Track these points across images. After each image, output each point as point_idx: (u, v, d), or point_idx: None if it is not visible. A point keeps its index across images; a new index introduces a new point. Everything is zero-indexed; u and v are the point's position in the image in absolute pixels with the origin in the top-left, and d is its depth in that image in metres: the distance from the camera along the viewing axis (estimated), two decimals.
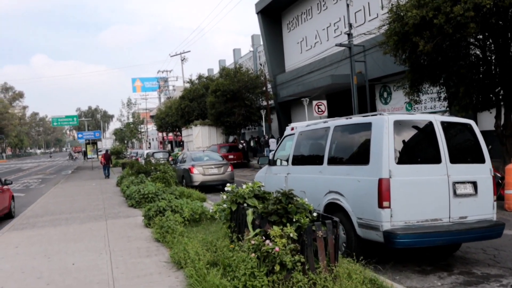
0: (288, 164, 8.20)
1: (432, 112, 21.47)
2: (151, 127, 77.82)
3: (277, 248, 4.38)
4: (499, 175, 10.76)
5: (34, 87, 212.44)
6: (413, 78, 14.33)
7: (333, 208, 6.50)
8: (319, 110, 24.15)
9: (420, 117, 6.28)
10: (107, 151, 28.45)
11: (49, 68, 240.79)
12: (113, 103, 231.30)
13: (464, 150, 6.37)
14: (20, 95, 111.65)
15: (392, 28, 12.67)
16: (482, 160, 6.22)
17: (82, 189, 18.27)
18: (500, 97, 13.16)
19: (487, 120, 16.73)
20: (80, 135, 44.01)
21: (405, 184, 5.68)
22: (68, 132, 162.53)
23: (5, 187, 12.63)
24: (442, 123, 6.10)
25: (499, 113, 13.00)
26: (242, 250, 4.87)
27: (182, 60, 53.85)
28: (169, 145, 64.61)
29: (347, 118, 7.15)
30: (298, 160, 7.92)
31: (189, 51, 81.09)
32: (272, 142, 28.11)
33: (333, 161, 6.75)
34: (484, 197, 6.09)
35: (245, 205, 5.71)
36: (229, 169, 16.51)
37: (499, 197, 9.83)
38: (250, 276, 4.46)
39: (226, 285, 4.46)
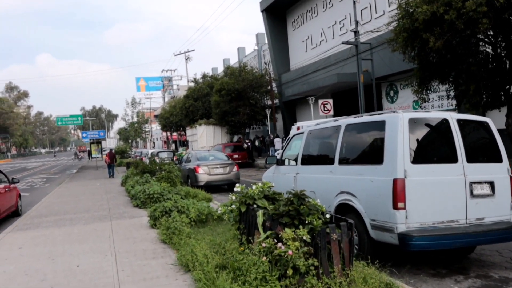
0: (297, 163, 8.01)
1: (439, 111, 21.21)
2: (155, 127, 77.79)
3: (290, 252, 4.20)
4: None
5: (39, 86, 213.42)
6: (422, 76, 14.08)
7: (345, 209, 6.30)
8: (325, 109, 23.92)
9: (435, 114, 6.07)
10: (111, 150, 28.35)
11: (53, 67, 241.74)
12: (117, 102, 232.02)
13: (480, 149, 6.16)
14: (25, 94, 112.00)
15: (401, 25, 12.45)
16: (499, 160, 6.00)
17: (86, 189, 18.15)
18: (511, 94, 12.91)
19: (497, 119, 16.44)
20: (84, 135, 43.97)
21: (421, 185, 5.47)
22: (72, 131, 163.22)
23: (12, 185, 12.72)
24: (458, 121, 5.89)
25: (510, 111, 12.75)
26: (253, 253, 4.68)
27: (186, 59, 53.72)
28: (173, 145, 64.52)
29: (355, 117, 6.95)
30: (308, 159, 7.72)
31: (193, 50, 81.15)
32: (277, 142, 27.92)
33: (344, 160, 6.55)
34: (502, 198, 5.87)
35: (254, 206, 5.52)
36: (235, 169, 16.33)
37: None
38: (261, 280, 4.28)
39: None
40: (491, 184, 5.81)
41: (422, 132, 5.83)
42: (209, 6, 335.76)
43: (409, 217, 5.37)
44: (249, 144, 32.93)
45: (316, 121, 20.21)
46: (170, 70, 67.04)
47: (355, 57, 22.77)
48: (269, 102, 33.59)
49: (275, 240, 4.60)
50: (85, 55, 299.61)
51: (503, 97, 13.01)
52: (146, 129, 68.53)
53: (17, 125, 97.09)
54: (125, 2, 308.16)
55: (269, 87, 32.58)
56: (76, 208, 12.38)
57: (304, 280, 4.29)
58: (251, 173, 24.50)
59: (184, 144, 51.55)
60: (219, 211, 6.32)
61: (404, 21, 12.33)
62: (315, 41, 32.48)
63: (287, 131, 34.43)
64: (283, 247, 4.33)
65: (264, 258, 4.44)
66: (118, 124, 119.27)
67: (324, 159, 7.21)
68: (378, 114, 6.39)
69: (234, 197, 5.80)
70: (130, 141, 68.79)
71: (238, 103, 32.02)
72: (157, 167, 16.17)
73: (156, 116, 73.67)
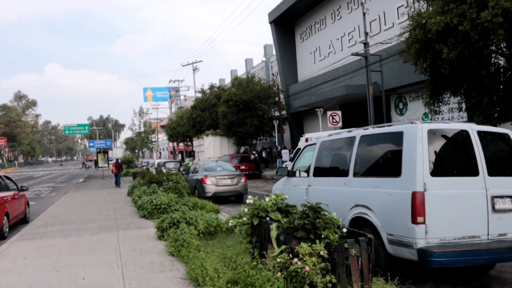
0: (308, 175, 7.80)
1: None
2: (162, 137, 77.88)
3: (307, 268, 3.99)
4: None
5: (47, 95, 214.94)
6: (434, 88, 13.89)
7: (360, 223, 6.08)
8: (334, 120, 23.73)
9: (454, 125, 5.86)
10: (117, 160, 28.29)
11: (62, 77, 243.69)
12: (124, 112, 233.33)
13: (502, 162, 5.93)
14: (33, 103, 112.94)
15: (413, 36, 12.30)
16: None
17: (93, 198, 18.01)
18: None
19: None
20: (91, 144, 44.02)
21: (441, 198, 5.25)
22: (79, 140, 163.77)
23: (21, 193, 12.91)
24: (479, 132, 5.69)
25: None
26: (267, 269, 4.47)
27: (194, 70, 53.90)
28: (179, 155, 64.48)
29: (371, 128, 6.76)
30: (320, 171, 7.51)
31: (201, 61, 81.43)
32: (285, 153, 27.71)
33: (359, 172, 6.34)
34: None
35: (267, 219, 5.32)
36: (243, 180, 16.13)
37: None
38: None
39: None
40: None
41: (441, 144, 5.62)
42: (216, 18, 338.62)
43: (428, 232, 5.14)
44: (256, 155, 32.74)
45: (324, 133, 20.03)
46: (177, 81, 67.47)
47: (364, 69, 22.63)
48: (277, 114, 33.45)
49: (290, 255, 4.39)
50: (93, 65, 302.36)
51: None
52: (153, 139, 68.59)
53: (25, 134, 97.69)
54: (133, 13, 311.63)
55: (277, 98, 32.47)
56: (82, 217, 12.21)
57: None
58: (258, 184, 24.27)
59: (191, 154, 51.47)
60: (230, 223, 6.12)
61: (417, 32, 12.18)
62: (324, 53, 32.43)
63: (294, 142, 34.23)
64: (299, 262, 4.12)
65: (279, 274, 4.23)
66: (125, 134, 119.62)
67: (337, 171, 7.00)
68: (395, 125, 6.19)
69: (246, 209, 5.59)
70: (136, 151, 68.86)
71: (246, 114, 31.94)
72: (164, 178, 16.00)
73: (162, 127, 73.83)
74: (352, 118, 26.11)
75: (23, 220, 12.78)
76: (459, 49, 11.07)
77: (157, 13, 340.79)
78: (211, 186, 15.51)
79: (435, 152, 5.51)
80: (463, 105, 14.84)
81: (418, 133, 5.41)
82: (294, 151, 21.84)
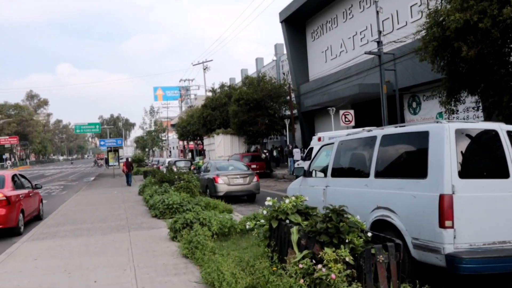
0: (326, 176, 7.56)
1: None
2: (172, 136, 77.94)
3: (333, 276, 3.76)
4: None
5: (58, 95, 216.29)
6: (451, 87, 13.55)
7: (382, 226, 5.83)
8: (346, 119, 23.43)
9: (483, 125, 5.59)
10: (127, 159, 28.22)
11: (73, 77, 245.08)
12: (134, 111, 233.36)
13: None
14: (45, 102, 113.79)
15: (431, 33, 11.97)
16: None
17: (104, 197, 17.92)
18: None
19: None
20: (102, 143, 44.07)
21: (470, 201, 4.99)
22: (90, 139, 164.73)
23: (35, 191, 13.20)
24: (509, 132, 5.41)
25: None
26: (288, 275, 4.25)
27: (204, 69, 53.79)
28: (189, 154, 64.45)
29: (392, 127, 6.51)
30: (339, 171, 7.26)
31: (211, 60, 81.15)
32: (296, 152, 27.43)
33: (381, 173, 6.09)
34: None
35: (287, 221, 5.10)
36: (255, 179, 15.91)
37: None
38: None
39: None
40: None
41: (469, 144, 5.34)
42: (227, 18, 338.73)
43: (457, 237, 4.88)
44: (267, 154, 32.51)
45: (337, 132, 19.76)
46: (188, 80, 67.30)
47: (377, 67, 22.28)
48: (288, 113, 33.18)
49: (313, 261, 4.16)
50: (104, 65, 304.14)
51: None
52: (163, 138, 68.64)
53: (37, 133, 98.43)
54: (144, 14, 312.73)
55: (288, 97, 32.20)
56: (93, 217, 12.09)
57: None
58: (269, 183, 24.05)
59: (201, 153, 51.38)
60: (247, 226, 5.89)
61: (435, 30, 11.84)
62: (335, 52, 32.09)
63: (305, 141, 33.95)
64: (324, 269, 3.89)
65: (302, 281, 4.01)
66: (135, 133, 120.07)
67: (357, 172, 6.75)
68: (419, 124, 5.93)
69: (265, 211, 5.36)
70: (147, 149, 68.97)
71: (257, 113, 31.71)
72: (176, 177, 15.84)
73: (173, 125, 73.86)
74: (364, 117, 25.76)
75: (37, 217, 13.08)
76: (479, 47, 10.74)
77: (167, 14, 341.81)
78: (223, 186, 15.32)
79: (463, 152, 5.24)
80: (481, 104, 14.48)
81: (445, 132, 5.15)
82: (307, 150, 21.61)
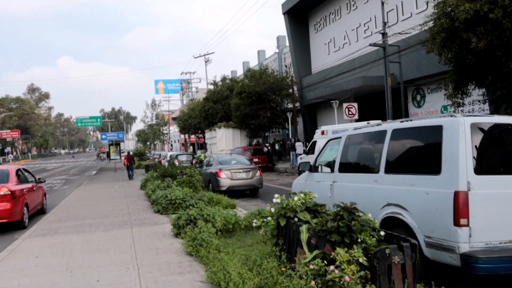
0: (333, 171, 7.35)
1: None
2: (173, 129, 77.73)
3: (347, 278, 3.57)
4: None
5: (60, 88, 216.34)
6: (458, 79, 13.32)
7: (393, 223, 5.63)
8: (350, 113, 23.20)
9: (500, 119, 5.36)
10: (129, 152, 28.07)
11: (74, 70, 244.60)
12: (136, 104, 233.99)
13: None
14: (46, 96, 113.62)
15: (439, 24, 11.72)
16: None
17: (105, 192, 17.78)
18: None
19: None
20: (103, 136, 43.95)
21: (486, 198, 4.80)
22: (91, 133, 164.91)
23: (38, 185, 13.35)
24: None
25: None
26: (298, 276, 4.06)
27: (206, 62, 53.46)
28: (191, 147, 64.28)
29: (403, 121, 6.30)
30: (347, 167, 7.06)
31: (213, 53, 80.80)
32: (299, 146, 27.22)
33: (392, 169, 5.88)
34: None
35: (295, 219, 4.91)
36: (258, 173, 15.72)
37: None
38: None
39: None
40: None
41: (485, 139, 5.13)
42: (228, 11, 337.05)
43: (473, 236, 4.69)
44: (269, 147, 32.32)
45: (341, 125, 19.54)
46: (189, 73, 66.96)
47: (381, 60, 22.01)
48: (290, 106, 32.94)
49: (325, 262, 3.98)
50: (105, 58, 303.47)
51: None
52: (165, 132, 68.43)
53: (38, 126, 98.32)
54: (145, 6, 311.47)
55: (290, 90, 31.94)
56: (95, 212, 11.94)
57: None
58: (272, 177, 23.88)
59: (202, 146, 51.21)
60: (254, 224, 5.71)
61: (443, 21, 11.60)
62: (338, 44, 31.76)
63: (307, 134, 33.73)
64: (336, 271, 3.71)
65: (313, 282, 3.83)
66: (137, 126, 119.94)
67: (366, 167, 6.55)
68: (432, 118, 5.72)
69: (272, 209, 5.18)
70: (148, 143, 68.82)
71: (259, 106, 31.48)
72: (178, 171, 15.67)
73: (174, 119, 73.64)
74: (367, 111, 25.52)
75: (41, 211, 13.22)
76: (489, 38, 10.50)
77: (168, 6, 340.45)
78: (225, 180, 15.14)
79: (478, 148, 5.03)
80: (488, 97, 14.24)
81: (460, 127, 4.94)
82: (310, 144, 21.39)
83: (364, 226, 4.27)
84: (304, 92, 33.44)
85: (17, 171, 11.89)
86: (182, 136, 68.34)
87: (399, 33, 20.74)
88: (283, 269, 4.47)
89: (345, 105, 23.68)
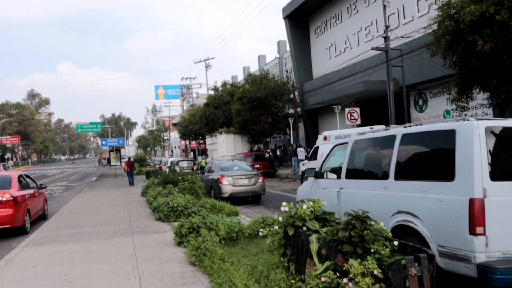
0: (340, 177, 7.16)
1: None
2: (174, 135, 77.60)
3: None
4: None
5: (60, 94, 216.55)
6: (463, 83, 13.15)
7: (403, 232, 5.44)
8: (352, 118, 23.03)
9: None
10: (129, 158, 27.90)
11: (74, 76, 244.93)
12: (136, 110, 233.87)
13: None
14: (46, 101, 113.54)
15: (444, 27, 11.58)
16: None
17: (106, 199, 17.57)
18: None
19: None
20: (104, 142, 43.82)
21: (502, 206, 4.60)
22: (92, 138, 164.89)
23: (40, 191, 13.43)
24: None
25: None
26: None
27: (206, 67, 53.36)
28: (191, 153, 64.08)
29: (413, 126, 6.11)
30: (354, 173, 6.87)
31: (213, 58, 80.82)
32: (301, 151, 27.01)
33: (402, 175, 5.69)
34: None
35: (304, 228, 4.72)
36: (260, 180, 15.51)
37: None
38: None
39: None
40: None
41: (501, 144, 4.95)
42: (228, 16, 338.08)
43: (489, 245, 4.50)
44: (270, 153, 32.11)
45: (344, 131, 19.36)
46: (189, 78, 66.85)
47: (382, 64, 21.87)
48: (291, 111, 32.76)
49: (337, 274, 3.78)
50: (105, 63, 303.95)
51: None
52: (165, 137, 68.27)
53: (38, 132, 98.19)
54: (145, 12, 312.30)
55: (292, 95, 31.78)
56: (95, 220, 11.73)
57: None
58: (274, 183, 23.66)
59: (203, 152, 50.99)
60: (260, 233, 5.50)
61: (447, 23, 11.45)
62: (339, 48, 31.63)
63: (309, 140, 33.54)
64: (350, 284, 3.51)
65: None
66: (137, 132, 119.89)
67: (375, 173, 6.36)
68: (445, 121, 5.53)
69: (280, 218, 4.97)
70: (149, 149, 68.63)
71: (260, 112, 31.29)
72: (179, 177, 15.47)
73: (174, 125, 73.50)
74: (369, 115, 25.34)
75: (42, 217, 13.33)
76: (495, 41, 10.34)
77: (168, 12, 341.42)
78: (228, 187, 14.93)
79: (493, 152, 4.84)
80: (493, 101, 14.08)
81: (475, 131, 4.76)
82: (312, 149, 21.20)
83: (377, 236, 4.07)
84: (305, 97, 33.29)
85: (19, 177, 11.99)
86: (183, 142, 68.16)
87: (402, 36, 20.62)
88: (292, 281, 4.27)
89: (347, 110, 23.52)
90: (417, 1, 23.43)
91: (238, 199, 15.17)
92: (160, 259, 7.00)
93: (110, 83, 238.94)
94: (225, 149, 35.78)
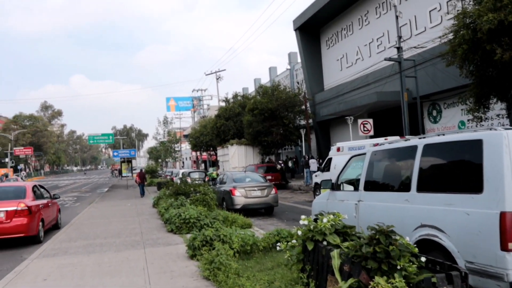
0: (357, 189, 6.94)
1: None
2: (185, 146, 77.72)
3: None
4: None
5: (72, 106, 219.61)
6: (480, 93, 12.87)
7: (427, 246, 5.18)
8: (365, 129, 22.72)
9: None
10: (141, 170, 27.87)
11: (86, 88, 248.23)
12: (147, 122, 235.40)
13: None
14: (59, 113, 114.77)
15: (460, 36, 11.35)
16: None
17: (117, 210, 17.46)
18: None
19: None
20: (115, 153, 43.92)
21: None
22: (103, 150, 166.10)
23: (53, 200, 13.66)
24: None
25: None
26: None
27: (217, 79, 53.48)
28: (202, 165, 64.03)
29: (437, 135, 5.89)
30: (373, 185, 6.64)
31: (224, 70, 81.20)
32: (313, 163, 26.75)
33: (425, 187, 5.45)
34: None
35: (324, 243, 4.50)
36: (273, 191, 15.28)
37: None
38: None
39: None
40: None
41: None
42: (238, 28, 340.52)
43: None
44: (282, 165, 31.86)
45: (357, 142, 19.08)
46: (200, 90, 67.03)
47: (395, 75, 21.63)
48: (302, 122, 32.56)
49: None
50: (117, 76, 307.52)
51: None
52: (177, 149, 68.37)
53: (51, 143, 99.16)
54: (156, 25, 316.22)
55: (303, 107, 31.60)
56: (106, 231, 11.60)
57: None
58: (286, 195, 23.40)
59: (214, 164, 50.88)
60: (277, 248, 5.29)
61: (464, 32, 11.23)
62: (351, 60, 31.48)
63: (320, 151, 33.26)
64: None
65: None
66: (148, 143, 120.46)
67: (395, 185, 6.12)
68: (469, 131, 5.30)
69: (299, 232, 4.77)
70: (160, 160, 68.74)
71: (271, 123, 31.12)
72: (191, 189, 15.31)
73: (185, 136, 73.66)
74: (382, 126, 25.03)
75: (55, 226, 13.52)
76: None
77: (179, 24, 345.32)
78: (240, 198, 14.73)
79: None
80: (509, 111, 13.76)
81: (504, 140, 4.53)
82: (325, 160, 20.93)
83: (403, 251, 3.85)
84: (317, 108, 33.08)
85: (33, 187, 12.29)
86: (194, 153, 68.17)
87: (415, 47, 20.39)
88: None
89: (360, 121, 23.24)
90: (430, 11, 23.25)
91: (250, 211, 14.95)
92: (173, 272, 6.80)
93: (122, 95, 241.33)
94: (237, 160, 35.62)
